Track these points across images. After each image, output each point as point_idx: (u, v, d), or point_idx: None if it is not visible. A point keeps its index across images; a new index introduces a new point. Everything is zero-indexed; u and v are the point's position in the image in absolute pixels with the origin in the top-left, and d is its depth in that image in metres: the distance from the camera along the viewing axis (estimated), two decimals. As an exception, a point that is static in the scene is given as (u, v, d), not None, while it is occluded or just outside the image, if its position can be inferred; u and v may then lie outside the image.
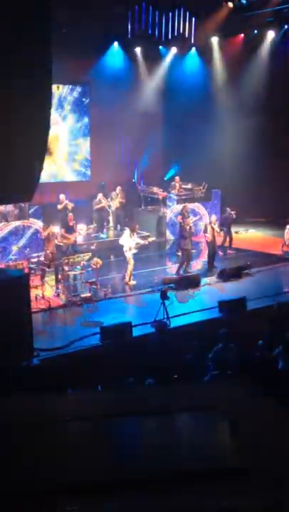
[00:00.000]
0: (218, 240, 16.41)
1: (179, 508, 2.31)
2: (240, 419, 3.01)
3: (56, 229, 15.28)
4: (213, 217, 15.93)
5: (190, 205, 18.68)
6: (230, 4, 18.94)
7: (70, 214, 15.75)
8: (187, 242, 14.96)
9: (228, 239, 17.59)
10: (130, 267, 14.08)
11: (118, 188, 19.26)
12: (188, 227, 15.10)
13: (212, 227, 15.45)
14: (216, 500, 2.36)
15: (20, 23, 8.62)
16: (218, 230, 15.92)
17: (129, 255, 14.07)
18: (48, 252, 13.96)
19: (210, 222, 15.76)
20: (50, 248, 14.14)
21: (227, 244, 17.58)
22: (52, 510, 2.26)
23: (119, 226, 19.00)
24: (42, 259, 13.73)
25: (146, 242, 14.59)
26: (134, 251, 14.10)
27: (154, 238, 15.45)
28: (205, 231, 15.84)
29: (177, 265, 15.27)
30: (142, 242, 14.40)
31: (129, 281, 14.12)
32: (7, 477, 2.48)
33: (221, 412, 3.11)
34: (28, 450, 2.72)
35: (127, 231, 14.35)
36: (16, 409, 3.27)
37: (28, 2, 8.76)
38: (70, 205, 17.14)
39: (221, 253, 16.94)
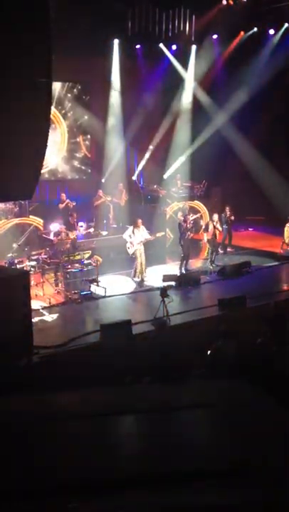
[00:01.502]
0: (219, 239, 16.47)
1: (179, 507, 2.31)
2: (239, 418, 3.02)
3: (56, 226, 15.26)
4: (215, 217, 15.97)
5: (191, 203, 18.70)
6: (231, 2, 18.91)
7: (74, 213, 15.78)
8: (187, 240, 14.98)
9: (227, 237, 17.61)
10: (138, 263, 14.12)
11: (120, 185, 19.28)
12: (188, 225, 15.12)
13: (214, 226, 15.50)
14: (216, 499, 2.37)
15: (20, 21, 8.62)
16: (220, 229, 15.97)
17: (131, 251, 14.13)
18: (60, 249, 13.86)
19: (212, 221, 15.80)
20: (63, 247, 14.08)
21: (226, 242, 17.60)
22: (52, 510, 2.26)
23: (120, 223, 18.97)
24: (42, 256, 13.73)
25: (152, 238, 14.55)
26: (139, 247, 14.10)
27: (163, 233, 15.41)
28: (206, 229, 15.86)
29: (178, 263, 15.29)
30: (149, 237, 14.39)
31: (143, 274, 14.16)
32: (7, 477, 2.48)
33: (221, 411, 3.11)
34: (28, 449, 2.73)
35: (131, 227, 14.41)
36: (15, 408, 3.27)
37: (27, 1, 8.75)
38: (72, 204, 17.15)
39: (221, 251, 16.96)
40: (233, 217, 17.38)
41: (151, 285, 13.83)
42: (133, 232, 14.15)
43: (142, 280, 14.18)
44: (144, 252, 14.38)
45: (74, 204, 17.18)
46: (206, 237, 15.76)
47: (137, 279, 14.17)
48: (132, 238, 14.11)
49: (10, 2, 8.49)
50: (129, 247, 14.19)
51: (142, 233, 14.23)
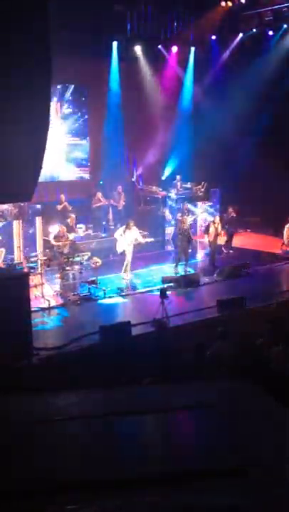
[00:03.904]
0: (222, 240, 16.51)
1: (178, 507, 2.31)
2: (239, 419, 3.02)
3: (56, 228, 15.25)
4: (217, 218, 15.98)
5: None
6: (230, 3, 18.94)
7: (72, 215, 15.76)
8: (183, 240, 14.98)
9: (228, 238, 17.61)
10: (126, 261, 14.21)
11: (120, 187, 19.30)
12: (185, 226, 15.14)
13: (215, 228, 15.48)
14: (215, 500, 2.37)
15: (20, 24, 8.63)
16: (221, 231, 15.97)
17: (119, 250, 14.23)
18: (60, 251, 13.89)
19: (213, 222, 15.78)
20: (62, 248, 14.08)
21: (227, 243, 17.58)
22: (52, 510, 2.26)
23: (119, 225, 18.99)
24: (43, 258, 13.71)
25: (143, 242, 14.59)
26: (128, 247, 14.15)
27: (152, 239, 15.42)
28: (206, 231, 15.83)
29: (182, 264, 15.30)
30: (141, 240, 14.41)
31: (122, 272, 14.20)
32: (7, 477, 2.48)
33: (221, 412, 3.11)
34: (28, 450, 2.73)
35: (123, 227, 14.47)
36: (15, 408, 3.27)
37: (26, 2, 8.77)
38: (70, 208, 17.15)
39: (225, 251, 17.02)
40: (234, 214, 17.44)
41: (151, 286, 13.83)
42: (124, 232, 14.23)
43: (125, 278, 14.33)
44: (143, 253, 14.47)
45: (71, 208, 17.18)
46: (206, 238, 15.75)
47: (125, 276, 14.28)
48: (122, 237, 14.21)
49: (11, 3, 8.50)
50: (117, 246, 14.31)
51: (133, 234, 14.29)
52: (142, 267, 15.35)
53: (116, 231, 14.76)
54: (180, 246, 15.09)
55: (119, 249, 14.37)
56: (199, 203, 19.38)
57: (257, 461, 2.63)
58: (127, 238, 14.19)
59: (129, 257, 14.35)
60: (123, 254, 14.36)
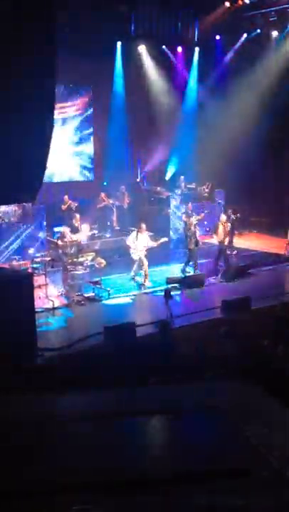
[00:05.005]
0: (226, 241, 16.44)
1: (179, 508, 2.30)
2: (241, 419, 3.01)
3: (60, 229, 15.26)
4: (223, 217, 15.75)
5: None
6: (234, 4, 18.94)
7: (77, 215, 15.77)
8: (191, 241, 14.91)
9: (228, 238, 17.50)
10: (144, 267, 14.01)
11: (123, 188, 19.28)
12: (191, 227, 15.06)
13: (223, 226, 15.31)
14: (216, 500, 2.36)
15: (26, 20, 8.64)
16: (228, 230, 15.87)
17: (135, 257, 13.97)
18: (64, 251, 13.90)
19: (220, 222, 15.68)
20: (66, 249, 14.09)
21: (228, 244, 17.49)
22: (52, 510, 2.26)
23: (124, 226, 18.96)
24: (46, 258, 13.72)
25: (155, 245, 14.35)
26: (142, 253, 13.96)
27: (166, 239, 15.16)
28: (215, 231, 15.72)
29: (182, 264, 15.22)
30: (152, 244, 14.17)
31: (145, 281, 14.02)
32: (7, 477, 2.48)
33: (222, 412, 3.10)
34: (28, 450, 2.72)
35: (134, 232, 14.22)
36: (18, 409, 3.27)
37: (32, 3, 8.78)
38: (74, 205, 17.15)
39: (231, 252, 16.96)
40: (236, 216, 17.31)
41: (155, 287, 13.80)
42: (136, 237, 13.97)
43: (144, 284, 14.04)
44: (148, 254, 14.37)
45: (76, 205, 17.17)
46: (216, 238, 15.54)
47: (139, 280, 14.11)
48: (135, 243, 13.95)
49: (16, 4, 8.52)
50: (133, 253, 14.04)
51: (145, 238, 14.04)
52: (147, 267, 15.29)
53: (128, 237, 14.40)
54: (188, 247, 14.98)
55: (136, 257, 14.11)
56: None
57: (258, 462, 2.62)
58: (140, 243, 13.97)
59: (146, 263, 14.02)
60: (140, 261, 14.05)
